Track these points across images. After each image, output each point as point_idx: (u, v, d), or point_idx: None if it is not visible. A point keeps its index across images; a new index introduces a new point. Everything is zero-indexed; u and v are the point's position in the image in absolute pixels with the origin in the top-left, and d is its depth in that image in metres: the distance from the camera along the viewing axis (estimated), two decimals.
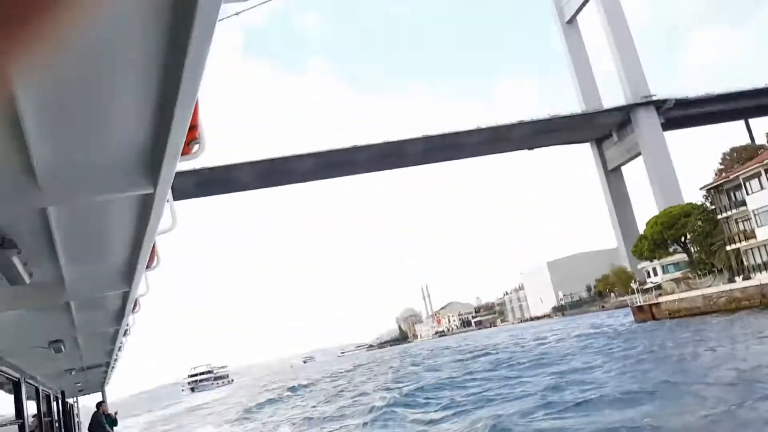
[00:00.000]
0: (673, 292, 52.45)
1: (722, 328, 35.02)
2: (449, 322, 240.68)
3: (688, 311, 43.77)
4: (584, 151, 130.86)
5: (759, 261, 44.55)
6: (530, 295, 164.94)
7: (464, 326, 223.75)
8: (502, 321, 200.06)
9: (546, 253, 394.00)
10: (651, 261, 64.68)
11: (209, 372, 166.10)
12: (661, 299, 48.94)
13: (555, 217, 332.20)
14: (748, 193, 44.70)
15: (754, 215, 44.61)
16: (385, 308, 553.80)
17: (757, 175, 43.60)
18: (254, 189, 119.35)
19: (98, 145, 2.71)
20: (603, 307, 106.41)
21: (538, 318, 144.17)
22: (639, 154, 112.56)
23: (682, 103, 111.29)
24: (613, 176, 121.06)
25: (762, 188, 43.29)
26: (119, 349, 10.96)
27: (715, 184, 49.26)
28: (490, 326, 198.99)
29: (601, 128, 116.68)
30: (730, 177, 46.57)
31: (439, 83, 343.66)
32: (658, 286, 58.36)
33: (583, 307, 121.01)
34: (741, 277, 46.46)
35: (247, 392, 76.30)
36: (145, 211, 3.50)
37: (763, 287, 39.47)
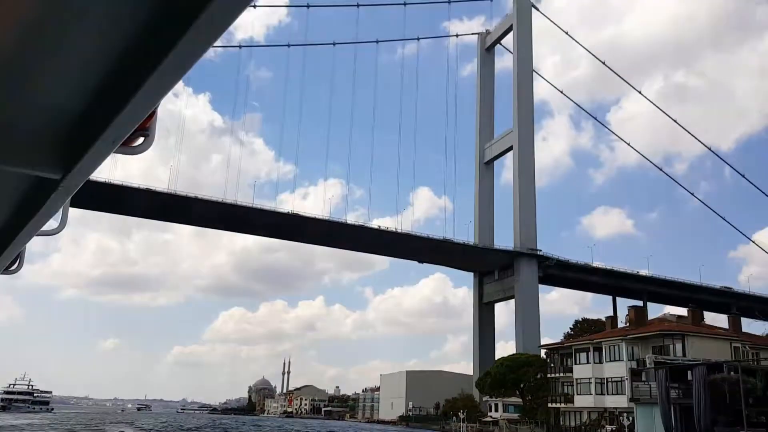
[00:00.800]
0: (501, 430, 57.38)
1: None
2: (300, 404, 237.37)
3: None
4: (463, 278, 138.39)
5: (572, 423, 50.17)
6: (383, 398, 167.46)
7: (314, 412, 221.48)
8: (351, 416, 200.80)
9: (412, 362, 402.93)
10: (491, 397, 69.94)
11: (28, 393, 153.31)
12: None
13: (426, 328, 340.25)
14: (576, 363, 51.03)
15: (576, 383, 50.72)
16: (245, 373, 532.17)
17: (586, 350, 50.09)
18: (151, 218, 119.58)
19: (12, 99, 2.10)
20: (443, 427, 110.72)
21: (384, 422, 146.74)
22: (512, 296, 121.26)
23: (562, 264, 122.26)
24: (485, 309, 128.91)
25: (587, 362, 49.74)
26: None
27: (553, 346, 55.60)
28: (339, 419, 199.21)
29: (487, 264, 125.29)
30: (565, 344, 53.03)
31: (357, 175, 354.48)
32: (495, 422, 63.23)
33: (427, 422, 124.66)
34: None
35: (59, 429, 72.54)
36: (35, 201, 2.78)
37: None
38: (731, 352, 44.80)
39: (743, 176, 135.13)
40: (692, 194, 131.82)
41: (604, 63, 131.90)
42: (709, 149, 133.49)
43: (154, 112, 2.16)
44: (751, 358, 46.22)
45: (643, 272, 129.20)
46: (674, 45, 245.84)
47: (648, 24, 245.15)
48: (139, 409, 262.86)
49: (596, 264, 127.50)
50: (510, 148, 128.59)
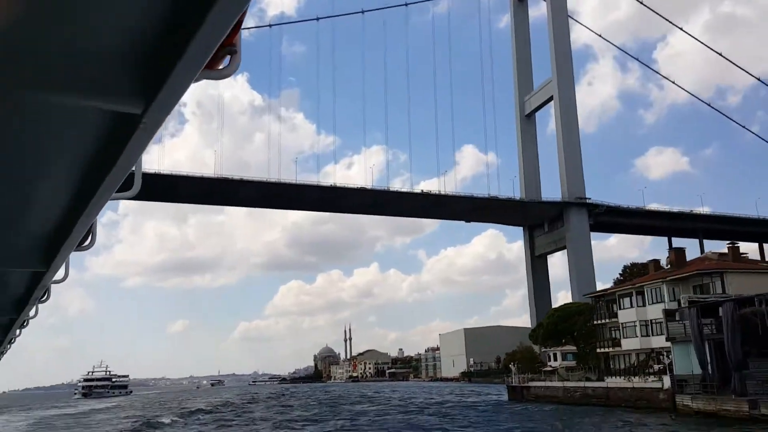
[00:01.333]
0: (557, 377, 58.76)
1: (568, 416, 41.28)
2: (365, 368, 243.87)
3: (551, 399, 50.02)
4: (517, 232, 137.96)
5: (621, 366, 50.93)
6: (445, 357, 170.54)
7: (379, 375, 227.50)
8: (415, 376, 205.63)
9: (473, 319, 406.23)
10: (546, 347, 70.96)
11: (107, 379, 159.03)
12: (531, 384, 55.56)
13: (484, 286, 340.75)
14: (620, 308, 51.47)
15: (622, 327, 51.25)
16: (308, 343, 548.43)
17: (629, 294, 50.43)
18: (201, 203, 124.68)
19: (79, 24, 1.72)
20: (504, 380, 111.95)
21: (447, 379, 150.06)
22: (564, 247, 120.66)
23: (612, 210, 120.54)
24: (538, 262, 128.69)
25: (631, 306, 50.12)
26: (10, 342, 8.72)
27: (597, 293, 56.05)
28: (403, 379, 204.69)
29: (535, 217, 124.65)
30: (609, 290, 53.43)
31: (398, 141, 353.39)
32: (554, 371, 64.38)
33: (489, 376, 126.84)
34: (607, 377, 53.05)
35: (139, 408, 78.04)
36: (113, 146, 2.25)
37: (609, 390, 45.89)
38: None
39: None
40: (744, 127, 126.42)
41: (642, 2, 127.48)
42: (759, 80, 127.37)
43: (239, 24, 1.88)
44: None
45: (697, 210, 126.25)
46: None
47: None
48: (213, 385, 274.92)
49: (649, 207, 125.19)
50: (550, 99, 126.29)
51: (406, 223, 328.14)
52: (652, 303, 48.23)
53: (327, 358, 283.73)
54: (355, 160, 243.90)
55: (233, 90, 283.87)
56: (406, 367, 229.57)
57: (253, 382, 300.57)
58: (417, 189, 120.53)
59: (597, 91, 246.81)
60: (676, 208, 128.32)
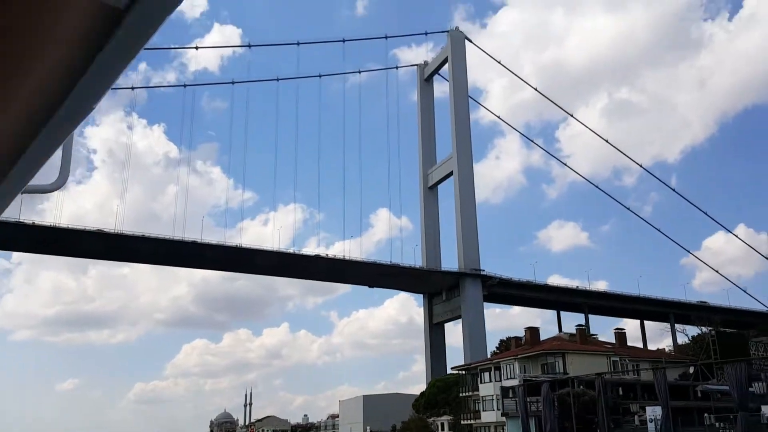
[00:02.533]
0: None
1: None
2: None
3: None
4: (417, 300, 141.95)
5: None
6: (342, 424, 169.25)
7: None
8: None
9: (381, 384, 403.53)
10: (427, 417, 73.74)
11: None
12: None
13: (394, 350, 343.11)
14: (481, 382, 55.41)
15: (482, 400, 55.03)
16: (210, 406, 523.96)
17: (488, 369, 54.52)
18: (100, 259, 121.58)
19: None
20: None
21: None
22: (460, 316, 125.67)
23: (505, 282, 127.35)
24: (436, 329, 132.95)
25: (490, 380, 54.09)
26: None
27: (465, 367, 60.08)
28: None
29: (434, 286, 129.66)
30: (472, 365, 57.48)
31: (314, 200, 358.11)
32: None
33: None
34: None
35: None
36: (94, 47, 1.82)
37: None
38: (609, 365, 49.52)
39: (677, 192, 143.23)
40: (631, 211, 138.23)
41: (536, 89, 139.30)
42: (640, 166, 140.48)
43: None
44: (630, 368, 51.32)
45: (584, 286, 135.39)
46: (616, 63, 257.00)
47: (589, 44, 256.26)
48: None
49: (549, 280, 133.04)
50: (451, 173, 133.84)
51: (320, 283, 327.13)
52: (508, 378, 52.32)
53: (224, 425, 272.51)
54: (271, 216, 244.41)
55: (148, 140, 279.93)
56: None
57: None
58: (325, 252, 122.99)
59: (504, 166, 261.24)
60: (565, 283, 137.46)
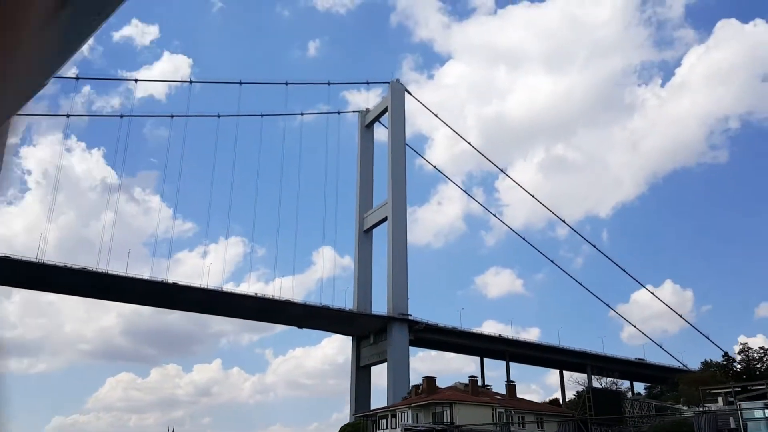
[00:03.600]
0: None
1: None
2: None
3: None
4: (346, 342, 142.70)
5: None
6: None
7: None
8: None
9: (313, 425, 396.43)
10: None
11: None
12: None
13: (329, 390, 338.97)
14: (379, 428, 57.41)
15: None
16: None
17: (386, 416, 56.64)
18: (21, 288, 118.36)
19: None
20: None
21: None
22: (386, 360, 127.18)
23: (431, 328, 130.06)
24: (362, 372, 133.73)
25: (386, 427, 56.15)
26: None
27: (367, 413, 62.01)
28: None
29: (363, 329, 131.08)
30: (373, 411, 59.50)
31: (255, 235, 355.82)
32: None
33: None
34: None
35: None
36: None
37: None
38: (494, 416, 52.40)
39: (600, 251, 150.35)
40: (557, 265, 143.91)
41: (470, 143, 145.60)
42: (565, 223, 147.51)
43: None
44: (516, 421, 54.46)
45: (515, 332, 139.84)
46: (554, 121, 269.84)
47: (530, 101, 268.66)
48: None
49: (464, 327, 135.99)
50: (385, 219, 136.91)
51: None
52: (403, 425, 54.54)
53: None
54: (211, 249, 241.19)
55: (87, 164, 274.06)
56: None
57: None
58: (263, 289, 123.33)
59: (445, 211, 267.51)
60: (499, 329, 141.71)
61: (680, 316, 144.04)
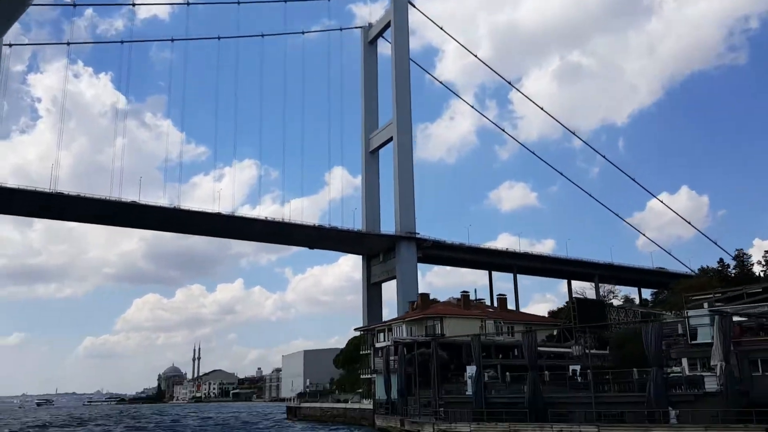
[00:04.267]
0: (337, 400, 67.36)
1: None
2: (209, 388, 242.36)
3: (312, 417, 59.22)
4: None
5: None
6: (285, 377, 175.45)
7: (223, 396, 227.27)
8: (258, 397, 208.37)
9: (334, 339, 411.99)
10: (345, 370, 79.32)
11: None
12: (302, 405, 65.53)
13: (347, 306, 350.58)
14: (377, 341, 60.52)
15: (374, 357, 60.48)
16: (163, 360, 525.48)
17: (383, 330, 59.58)
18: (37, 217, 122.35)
19: None
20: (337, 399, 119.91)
21: (283, 400, 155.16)
22: (395, 276, 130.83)
23: (439, 245, 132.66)
24: (373, 289, 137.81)
25: (384, 340, 59.22)
26: None
27: (366, 328, 65.29)
28: (246, 400, 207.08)
29: (372, 248, 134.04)
30: (371, 327, 62.54)
31: (268, 157, 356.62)
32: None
33: (319, 397, 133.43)
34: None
35: None
36: None
37: (346, 410, 55.08)
38: (483, 327, 55.11)
39: (610, 161, 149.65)
40: (567, 178, 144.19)
41: (476, 56, 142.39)
42: (574, 134, 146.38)
43: None
44: (505, 331, 57.31)
45: (530, 246, 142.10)
46: (567, 28, 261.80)
47: (542, 8, 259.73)
48: (39, 405, 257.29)
49: (469, 244, 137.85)
50: (391, 139, 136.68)
51: None
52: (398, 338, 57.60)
53: (172, 378, 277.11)
54: (226, 172, 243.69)
55: (96, 89, 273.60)
56: (251, 387, 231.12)
57: (89, 402, 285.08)
58: (278, 210, 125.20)
59: (457, 126, 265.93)
60: (513, 242, 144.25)
61: (688, 222, 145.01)
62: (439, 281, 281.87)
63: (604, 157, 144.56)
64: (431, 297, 72.34)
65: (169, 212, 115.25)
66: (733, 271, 75.73)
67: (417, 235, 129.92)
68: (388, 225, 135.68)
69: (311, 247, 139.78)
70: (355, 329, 64.63)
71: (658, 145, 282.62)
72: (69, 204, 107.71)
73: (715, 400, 32.51)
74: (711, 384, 33.45)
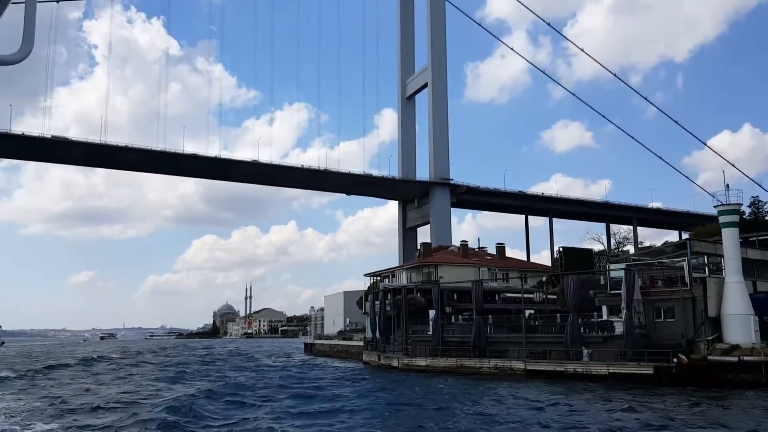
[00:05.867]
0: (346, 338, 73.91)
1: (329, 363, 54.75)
2: (259, 325, 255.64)
3: (323, 352, 66.05)
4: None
5: None
6: (327, 316, 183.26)
7: (272, 332, 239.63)
8: (303, 334, 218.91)
9: (363, 282, 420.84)
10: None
11: None
12: (315, 341, 73.37)
13: (392, 254, 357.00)
14: (384, 285, 64.97)
15: None
16: (221, 298, 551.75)
17: (387, 276, 63.41)
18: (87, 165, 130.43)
19: None
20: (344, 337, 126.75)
21: (326, 337, 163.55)
22: (429, 222, 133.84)
23: (473, 190, 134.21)
24: (409, 233, 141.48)
25: (390, 284, 63.44)
26: None
27: (375, 273, 69.30)
28: (293, 337, 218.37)
29: (407, 194, 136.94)
30: (381, 272, 66.50)
31: (319, 100, 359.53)
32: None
33: (358, 333, 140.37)
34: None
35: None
36: None
37: (349, 347, 60.92)
38: (478, 274, 58.19)
39: (659, 109, 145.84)
40: (620, 127, 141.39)
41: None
42: (619, 77, 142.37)
43: None
44: (500, 277, 60.26)
45: (548, 193, 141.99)
46: None
47: None
48: (102, 338, 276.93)
49: (505, 189, 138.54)
50: (426, 84, 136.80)
51: None
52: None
53: (225, 315, 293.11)
54: (277, 116, 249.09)
55: (149, 34, 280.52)
56: (298, 325, 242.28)
57: (150, 336, 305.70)
58: (324, 154, 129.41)
59: (509, 64, 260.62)
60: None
61: (732, 165, 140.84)
62: (489, 223, 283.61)
63: (648, 101, 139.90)
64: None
65: (210, 162, 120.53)
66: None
67: (450, 181, 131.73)
68: (425, 170, 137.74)
69: (348, 193, 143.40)
70: (365, 275, 68.69)
71: (720, 81, 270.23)
72: (115, 153, 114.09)
73: (619, 342, 38.46)
74: (619, 328, 39.24)
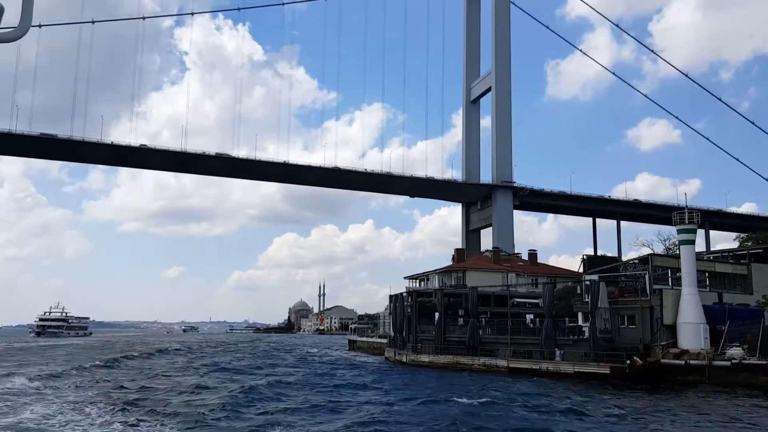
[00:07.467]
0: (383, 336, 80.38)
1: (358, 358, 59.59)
2: (331, 322, 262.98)
3: (363, 348, 72.13)
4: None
5: None
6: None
7: (343, 329, 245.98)
8: (371, 332, 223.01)
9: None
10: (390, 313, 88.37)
11: (62, 320, 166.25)
12: (356, 339, 79.80)
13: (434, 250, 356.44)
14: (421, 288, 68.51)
15: None
16: (302, 294, 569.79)
17: (424, 279, 66.83)
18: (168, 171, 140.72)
19: None
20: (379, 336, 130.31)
21: (381, 335, 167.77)
22: (491, 224, 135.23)
23: (536, 193, 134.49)
24: (472, 235, 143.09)
25: (421, 286, 66.67)
26: None
27: (412, 276, 72.96)
28: (360, 335, 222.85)
29: (470, 196, 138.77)
30: (416, 275, 70.17)
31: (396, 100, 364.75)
32: None
33: None
34: None
35: (76, 348, 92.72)
36: None
37: (381, 344, 65.97)
38: (505, 279, 60.90)
39: (746, 118, 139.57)
40: (700, 134, 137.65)
41: None
42: (687, 75, 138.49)
43: None
44: (529, 282, 62.25)
45: (616, 196, 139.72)
46: None
47: None
48: (185, 331, 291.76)
49: (570, 192, 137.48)
50: (490, 89, 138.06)
51: None
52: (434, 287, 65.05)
53: (300, 312, 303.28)
54: (356, 116, 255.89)
55: (236, 41, 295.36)
56: (367, 323, 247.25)
57: (230, 329, 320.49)
58: (365, 168, 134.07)
59: (591, 62, 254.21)
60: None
61: None
62: (572, 223, 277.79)
63: (726, 104, 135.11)
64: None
65: (280, 168, 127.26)
66: None
67: (513, 184, 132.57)
68: (488, 173, 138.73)
69: (412, 196, 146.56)
70: (404, 277, 72.40)
71: None
72: (193, 161, 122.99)
73: (586, 344, 43.65)
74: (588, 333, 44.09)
